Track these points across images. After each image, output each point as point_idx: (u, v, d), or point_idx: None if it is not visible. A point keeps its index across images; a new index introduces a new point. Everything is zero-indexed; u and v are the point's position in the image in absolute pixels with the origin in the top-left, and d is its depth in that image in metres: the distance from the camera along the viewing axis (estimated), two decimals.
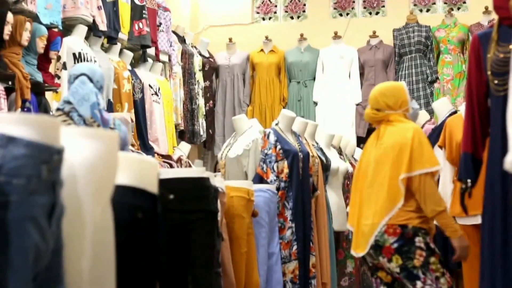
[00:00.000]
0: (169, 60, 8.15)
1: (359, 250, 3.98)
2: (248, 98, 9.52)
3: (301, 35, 9.59)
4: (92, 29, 6.54)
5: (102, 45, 6.94)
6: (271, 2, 10.19)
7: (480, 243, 3.40)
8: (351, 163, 7.13)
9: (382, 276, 4.04)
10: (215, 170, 7.30)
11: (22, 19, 5.32)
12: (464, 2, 9.58)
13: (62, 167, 1.66)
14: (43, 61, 5.77)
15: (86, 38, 6.54)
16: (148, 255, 2.33)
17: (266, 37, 9.62)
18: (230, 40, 9.68)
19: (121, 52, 7.22)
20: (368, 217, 3.91)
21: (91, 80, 4.30)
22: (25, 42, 5.35)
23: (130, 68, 7.27)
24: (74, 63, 6.16)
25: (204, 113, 8.97)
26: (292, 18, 10.13)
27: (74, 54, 6.17)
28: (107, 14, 6.69)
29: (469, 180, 3.48)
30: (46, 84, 5.73)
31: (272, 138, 5.51)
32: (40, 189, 1.57)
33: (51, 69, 5.98)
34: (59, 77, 6.04)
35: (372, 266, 4.06)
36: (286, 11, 10.14)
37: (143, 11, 7.44)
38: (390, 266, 3.86)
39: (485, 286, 3.25)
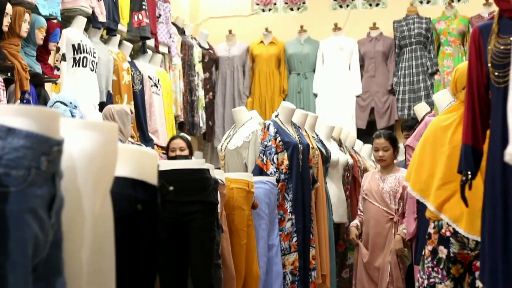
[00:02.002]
0: (169, 51, 8.14)
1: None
2: (248, 90, 9.52)
3: (301, 26, 9.58)
4: (92, 20, 6.53)
5: (102, 36, 6.93)
6: None
7: (481, 235, 3.40)
8: (351, 155, 7.12)
9: (456, 269, 3.94)
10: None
11: (21, 10, 5.31)
12: None
13: (61, 159, 1.65)
14: (42, 52, 5.76)
15: (86, 29, 6.53)
16: (148, 247, 2.32)
17: (266, 29, 9.61)
18: (230, 31, 9.67)
19: (120, 43, 7.21)
20: None
21: (65, 103, 5.44)
22: (24, 34, 5.34)
23: (129, 59, 7.26)
24: (73, 54, 6.16)
25: (204, 105, 8.96)
26: (292, 9, 10.12)
27: (73, 46, 6.16)
28: (106, 6, 6.67)
29: (469, 172, 3.46)
30: (45, 76, 5.73)
31: (272, 130, 5.50)
32: (39, 181, 1.56)
33: (50, 60, 5.97)
34: (58, 69, 6.03)
35: (452, 257, 3.92)
36: (286, 3, 10.12)
37: (143, 3, 7.43)
38: None
39: (486, 279, 3.25)
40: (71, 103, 5.51)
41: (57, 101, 5.51)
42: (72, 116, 5.42)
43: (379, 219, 5.83)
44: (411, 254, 5.51)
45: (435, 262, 3.98)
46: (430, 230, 4.04)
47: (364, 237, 5.99)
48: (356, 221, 6.12)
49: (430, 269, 4.01)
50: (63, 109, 5.41)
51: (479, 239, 3.78)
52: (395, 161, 6.25)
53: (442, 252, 3.95)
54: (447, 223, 3.93)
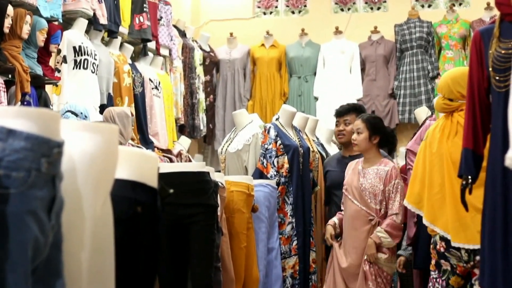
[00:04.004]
0: (170, 54, 8.14)
1: (473, 242, 3.75)
2: (248, 93, 9.52)
3: (302, 30, 9.58)
4: (93, 22, 6.53)
5: (103, 38, 6.93)
6: None
7: (481, 240, 3.39)
8: None
9: (456, 281, 3.95)
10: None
11: (23, 12, 5.31)
12: None
13: (62, 160, 1.65)
14: (43, 54, 5.76)
15: (87, 31, 6.54)
16: (148, 249, 2.32)
17: (267, 32, 9.61)
18: (231, 34, 9.67)
19: (121, 45, 7.21)
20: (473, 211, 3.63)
21: (75, 114, 5.52)
22: (25, 35, 5.34)
23: (130, 62, 7.26)
24: (74, 56, 6.16)
25: (205, 108, 8.96)
26: (293, 12, 10.12)
27: (74, 48, 6.17)
28: (107, 8, 6.67)
29: (469, 177, 3.46)
30: (46, 78, 5.73)
31: (273, 133, 5.51)
32: (39, 183, 1.56)
33: (51, 62, 5.97)
34: (59, 71, 6.04)
35: (455, 268, 3.92)
36: (287, 6, 10.12)
37: (144, 5, 7.43)
38: None
39: (486, 282, 3.25)
40: (81, 113, 5.63)
41: (68, 111, 5.59)
42: None
43: (357, 219, 4.92)
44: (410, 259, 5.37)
45: (440, 274, 4.01)
46: (431, 245, 4.08)
47: (343, 238, 5.08)
48: (334, 219, 5.18)
49: (434, 280, 4.05)
50: (73, 119, 5.48)
51: (464, 246, 3.82)
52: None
53: (446, 265, 3.97)
54: (440, 239, 3.95)
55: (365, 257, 4.84)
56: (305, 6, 10.06)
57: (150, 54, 7.72)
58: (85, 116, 5.63)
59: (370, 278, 4.82)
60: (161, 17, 7.98)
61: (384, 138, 5.05)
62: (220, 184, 4.31)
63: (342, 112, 5.70)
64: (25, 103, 5.28)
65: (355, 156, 5.32)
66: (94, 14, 6.45)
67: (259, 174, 5.41)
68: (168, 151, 7.29)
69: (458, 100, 3.95)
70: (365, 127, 4.99)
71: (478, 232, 3.70)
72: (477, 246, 3.74)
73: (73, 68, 6.17)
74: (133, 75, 7.07)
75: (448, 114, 4.03)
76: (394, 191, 4.85)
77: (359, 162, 5.08)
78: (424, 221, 4.02)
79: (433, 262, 4.08)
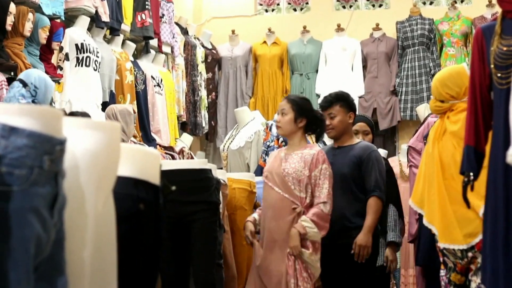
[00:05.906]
0: (172, 51, 8.15)
1: (458, 242, 3.82)
2: (250, 90, 9.52)
3: (304, 27, 9.57)
4: (95, 20, 6.54)
5: (105, 36, 6.93)
6: None
7: (483, 238, 3.40)
8: None
9: (456, 278, 3.98)
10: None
11: (25, 9, 5.32)
12: None
13: (64, 158, 1.66)
14: (46, 52, 5.77)
15: (89, 29, 6.54)
16: (150, 246, 2.33)
17: (269, 29, 9.60)
18: (233, 32, 9.67)
19: (123, 43, 7.22)
20: (466, 210, 3.62)
21: (25, 83, 4.80)
22: (27, 33, 5.35)
23: (132, 59, 7.26)
24: (77, 54, 6.17)
25: (207, 105, 8.97)
26: (295, 10, 10.11)
27: (76, 45, 6.17)
28: (109, 5, 6.68)
29: (471, 173, 3.46)
30: (48, 75, 5.73)
31: (274, 130, 5.51)
32: (42, 180, 1.57)
33: (54, 60, 5.98)
34: (61, 68, 6.04)
35: (454, 265, 3.95)
36: (289, 3, 10.12)
37: (146, 2, 7.43)
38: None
39: (488, 280, 3.25)
40: (32, 83, 4.85)
41: (19, 79, 4.89)
42: (24, 97, 4.76)
43: (280, 209, 4.20)
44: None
45: (447, 271, 4.05)
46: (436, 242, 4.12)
47: (261, 232, 4.33)
48: (254, 215, 4.44)
49: (441, 278, 4.09)
50: (16, 90, 4.82)
51: (449, 246, 3.85)
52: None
53: (449, 262, 4.00)
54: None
55: (288, 250, 4.11)
56: (306, 3, 10.06)
57: (152, 52, 7.73)
58: (35, 87, 4.86)
59: (293, 274, 4.10)
60: (163, 15, 7.98)
61: (311, 121, 4.40)
62: (222, 181, 4.32)
63: (325, 107, 4.72)
64: None
65: (345, 148, 4.59)
66: (96, 11, 6.45)
67: (261, 171, 5.41)
68: (170, 148, 7.30)
69: (448, 101, 4.01)
70: (290, 108, 4.34)
71: (464, 233, 3.76)
72: (461, 246, 3.80)
73: (75, 66, 6.18)
74: (135, 73, 7.08)
75: (443, 115, 4.06)
76: (322, 177, 4.20)
77: (283, 149, 4.50)
78: (424, 221, 4.06)
79: (441, 260, 4.12)
